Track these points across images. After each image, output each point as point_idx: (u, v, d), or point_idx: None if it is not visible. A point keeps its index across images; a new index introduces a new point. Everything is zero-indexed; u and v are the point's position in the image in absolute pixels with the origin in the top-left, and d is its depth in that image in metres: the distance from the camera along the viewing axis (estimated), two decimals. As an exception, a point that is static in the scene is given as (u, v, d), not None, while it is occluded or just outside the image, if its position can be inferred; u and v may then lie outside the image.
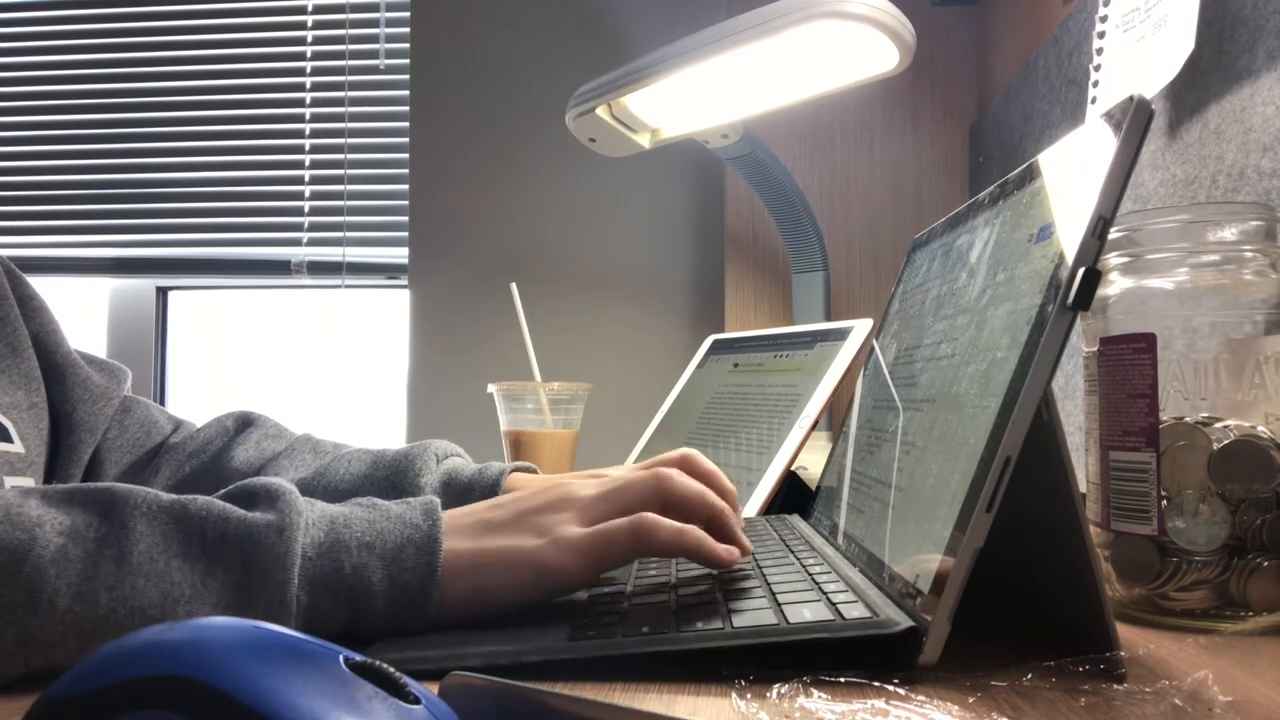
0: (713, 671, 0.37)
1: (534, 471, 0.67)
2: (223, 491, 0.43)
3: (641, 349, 1.50)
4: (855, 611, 0.39)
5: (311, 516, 0.41)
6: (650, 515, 0.43)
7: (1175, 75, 0.65)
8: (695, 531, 0.44)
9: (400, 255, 1.58)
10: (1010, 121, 1.15)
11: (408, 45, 1.57)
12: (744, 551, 0.46)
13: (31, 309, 0.65)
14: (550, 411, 0.94)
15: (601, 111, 1.02)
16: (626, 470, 0.60)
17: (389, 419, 1.65)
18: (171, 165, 1.64)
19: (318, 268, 1.61)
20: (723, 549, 0.44)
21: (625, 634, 0.39)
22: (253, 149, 1.62)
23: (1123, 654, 0.37)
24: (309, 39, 1.62)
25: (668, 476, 0.46)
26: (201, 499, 0.41)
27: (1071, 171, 0.41)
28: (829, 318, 1.22)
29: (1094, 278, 0.36)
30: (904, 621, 0.37)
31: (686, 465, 0.59)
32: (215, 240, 1.64)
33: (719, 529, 0.46)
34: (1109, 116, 0.38)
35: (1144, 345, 0.47)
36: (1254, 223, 0.47)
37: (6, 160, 1.67)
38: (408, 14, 1.57)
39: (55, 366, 0.65)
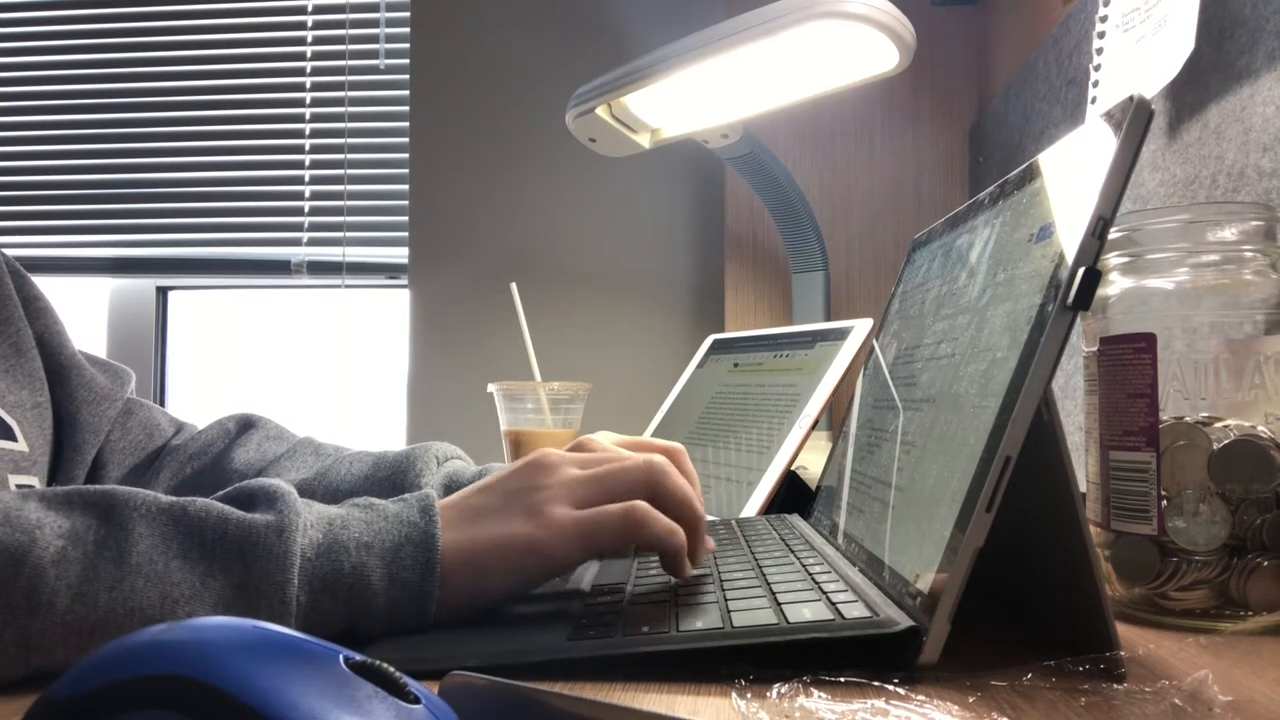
0: (713, 671, 0.37)
1: None
2: (222, 493, 0.43)
3: (641, 349, 1.50)
4: (855, 611, 0.39)
5: (310, 518, 0.41)
6: (644, 506, 0.44)
7: (1175, 75, 0.65)
8: (681, 536, 0.44)
9: (400, 255, 1.58)
10: (1010, 121, 1.15)
11: (408, 45, 1.57)
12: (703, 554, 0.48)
13: (36, 309, 0.65)
14: (550, 411, 0.94)
15: (601, 111, 1.02)
16: (612, 442, 0.60)
17: (389, 419, 1.65)
18: (171, 165, 1.64)
19: (318, 268, 1.61)
20: (703, 555, 0.46)
21: (625, 634, 0.39)
22: (253, 149, 1.62)
23: (1123, 654, 0.37)
24: (309, 39, 1.62)
25: (663, 470, 0.46)
26: (201, 500, 0.41)
27: (1071, 171, 0.41)
28: (829, 318, 1.22)
29: (1094, 278, 0.36)
30: (904, 621, 0.37)
31: (672, 459, 0.60)
32: (215, 240, 1.64)
33: (691, 538, 0.46)
34: (1109, 116, 0.38)
35: (1144, 345, 0.47)
36: (1254, 223, 0.47)
37: (6, 160, 1.67)
38: (408, 14, 1.57)
39: (60, 367, 0.65)
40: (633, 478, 0.46)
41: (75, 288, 1.69)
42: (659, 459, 0.47)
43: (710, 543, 0.48)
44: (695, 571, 0.47)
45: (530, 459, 0.47)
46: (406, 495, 0.46)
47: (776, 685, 0.34)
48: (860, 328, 0.81)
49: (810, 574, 0.46)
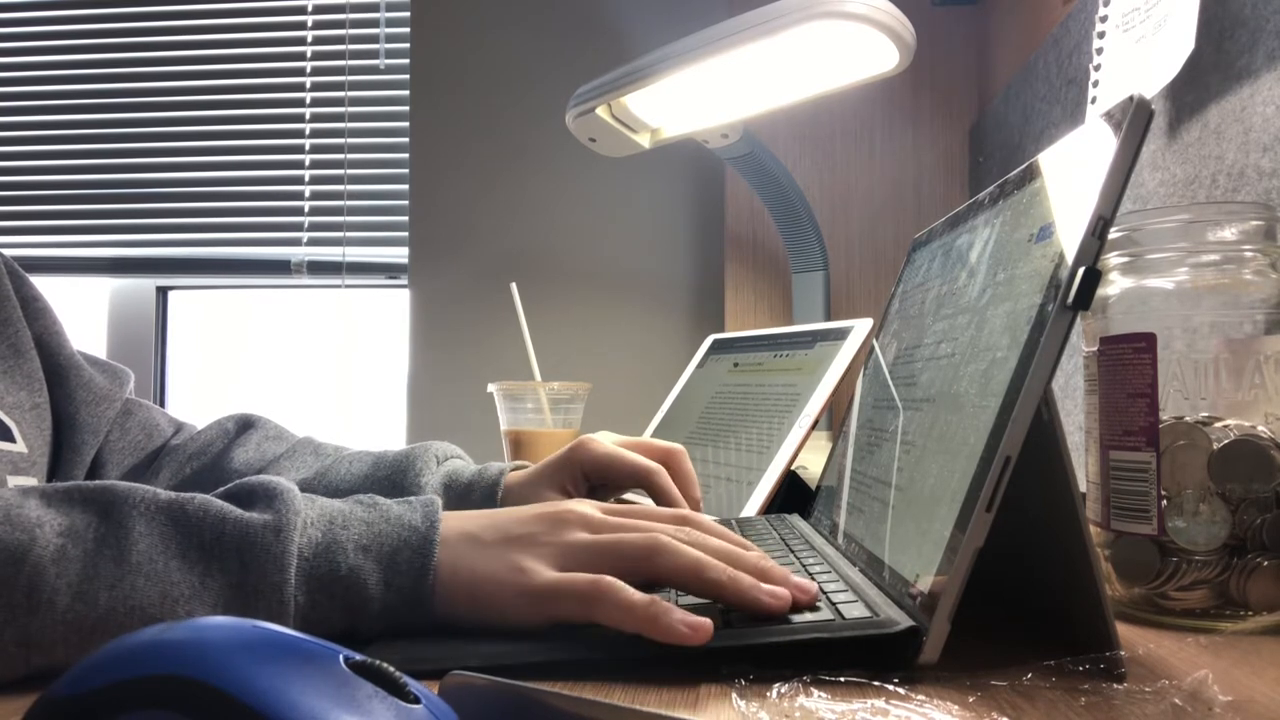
0: (713, 671, 0.37)
1: None
2: (221, 490, 0.43)
3: (641, 349, 1.50)
4: (855, 611, 0.39)
5: (310, 515, 0.41)
6: (609, 583, 0.40)
7: (1175, 75, 0.65)
8: (649, 610, 0.38)
9: (400, 255, 1.58)
10: (1010, 121, 1.15)
11: (408, 45, 1.57)
12: (805, 594, 0.41)
13: (35, 310, 0.65)
14: (550, 411, 0.94)
15: (601, 111, 1.02)
16: (613, 442, 0.59)
17: (389, 419, 1.65)
18: (171, 165, 1.64)
19: (318, 267, 1.61)
20: (683, 629, 0.37)
21: (625, 634, 0.39)
22: (253, 149, 1.62)
23: (1123, 654, 0.37)
24: (309, 39, 1.62)
25: (664, 549, 0.42)
26: (200, 498, 0.41)
27: (1071, 171, 0.41)
28: (829, 317, 1.22)
29: (1094, 277, 0.36)
30: (904, 621, 0.37)
31: (672, 460, 0.61)
32: (215, 240, 1.64)
33: (734, 597, 0.40)
34: (1109, 116, 0.38)
35: (1144, 345, 0.47)
36: (1254, 222, 0.47)
37: (6, 160, 1.67)
38: (408, 14, 1.57)
39: (58, 368, 0.65)
40: (627, 551, 0.42)
41: (75, 288, 1.69)
42: (662, 540, 0.42)
43: (801, 586, 0.41)
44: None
45: (551, 509, 0.45)
46: (411, 498, 0.45)
47: (776, 685, 0.34)
48: (860, 328, 0.81)
49: (810, 574, 0.46)
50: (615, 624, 0.39)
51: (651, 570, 0.42)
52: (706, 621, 0.37)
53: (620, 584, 0.40)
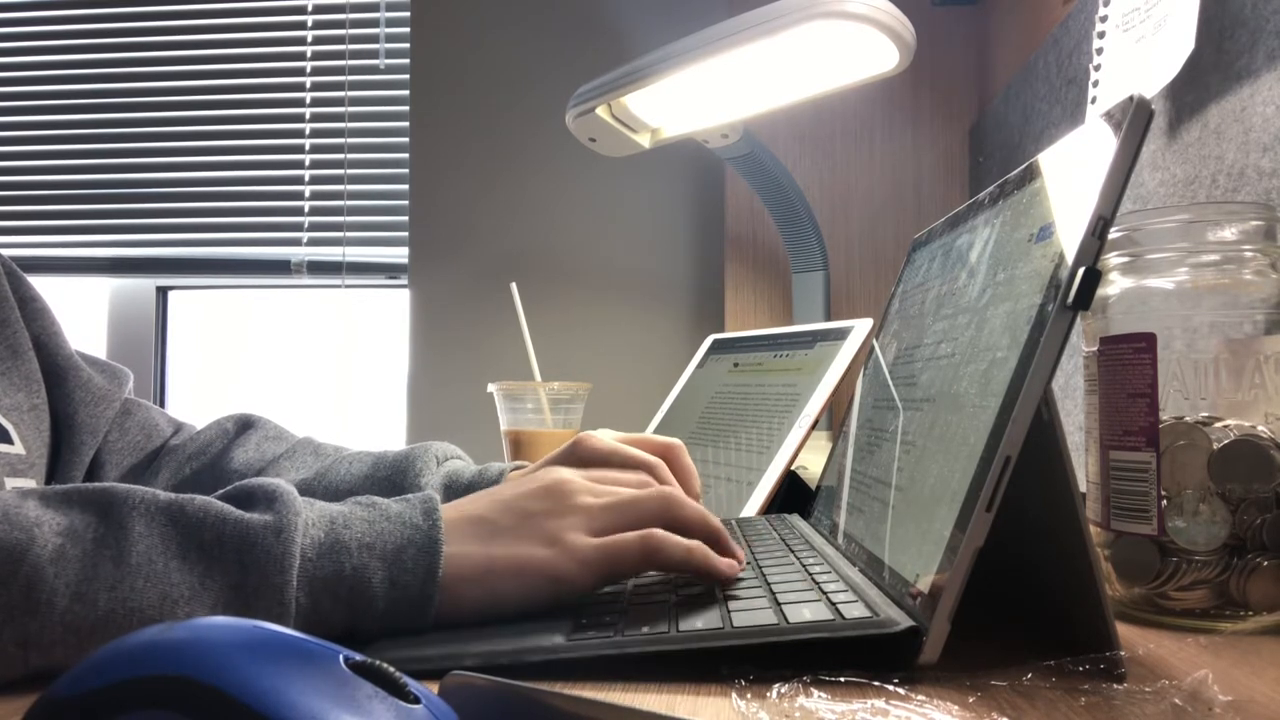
0: (713, 671, 0.37)
1: None
2: (221, 491, 0.43)
3: (641, 349, 1.50)
4: (855, 611, 0.39)
5: (311, 516, 0.41)
6: (660, 532, 0.44)
7: (1175, 75, 0.65)
8: (701, 549, 0.45)
9: (400, 255, 1.58)
10: (1010, 121, 1.15)
11: (408, 45, 1.57)
12: (739, 561, 0.47)
13: (33, 310, 0.65)
14: (550, 411, 0.94)
15: (601, 111, 1.02)
16: (613, 439, 0.60)
17: (389, 419, 1.65)
18: (171, 165, 1.64)
19: (318, 267, 1.61)
20: (725, 563, 0.45)
21: (625, 634, 0.39)
22: (253, 149, 1.62)
23: (1123, 654, 0.37)
24: (309, 39, 1.62)
25: (677, 501, 0.47)
26: (200, 499, 0.41)
27: (1071, 171, 0.41)
28: (829, 317, 1.22)
29: (1094, 277, 0.36)
30: (904, 621, 0.37)
31: (671, 455, 0.62)
32: (215, 240, 1.64)
33: (719, 547, 0.46)
34: (1109, 116, 0.38)
35: (1144, 345, 0.47)
36: (1254, 222, 0.47)
37: (6, 160, 1.67)
38: (408, 14, 1.57)
39: (57, 368, 0.65)
40: (650, 508, 0.46)
41: (75, 288, 1.69)
42: (671, 492, 0.47)
43: (739, 551, 0.47)
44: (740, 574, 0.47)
45: (547, 482, 0.47)
46: (409, 495, 0.45)
47: (776, 685, 0.34)
48: (860, 328, 0.81)
49: (810, 574, 0.46)
50: (672, 568, 0.45)
51: (669, 520, 0.46)
52: (734, 563, 0.45)
53: (667, 533, 0.44)
